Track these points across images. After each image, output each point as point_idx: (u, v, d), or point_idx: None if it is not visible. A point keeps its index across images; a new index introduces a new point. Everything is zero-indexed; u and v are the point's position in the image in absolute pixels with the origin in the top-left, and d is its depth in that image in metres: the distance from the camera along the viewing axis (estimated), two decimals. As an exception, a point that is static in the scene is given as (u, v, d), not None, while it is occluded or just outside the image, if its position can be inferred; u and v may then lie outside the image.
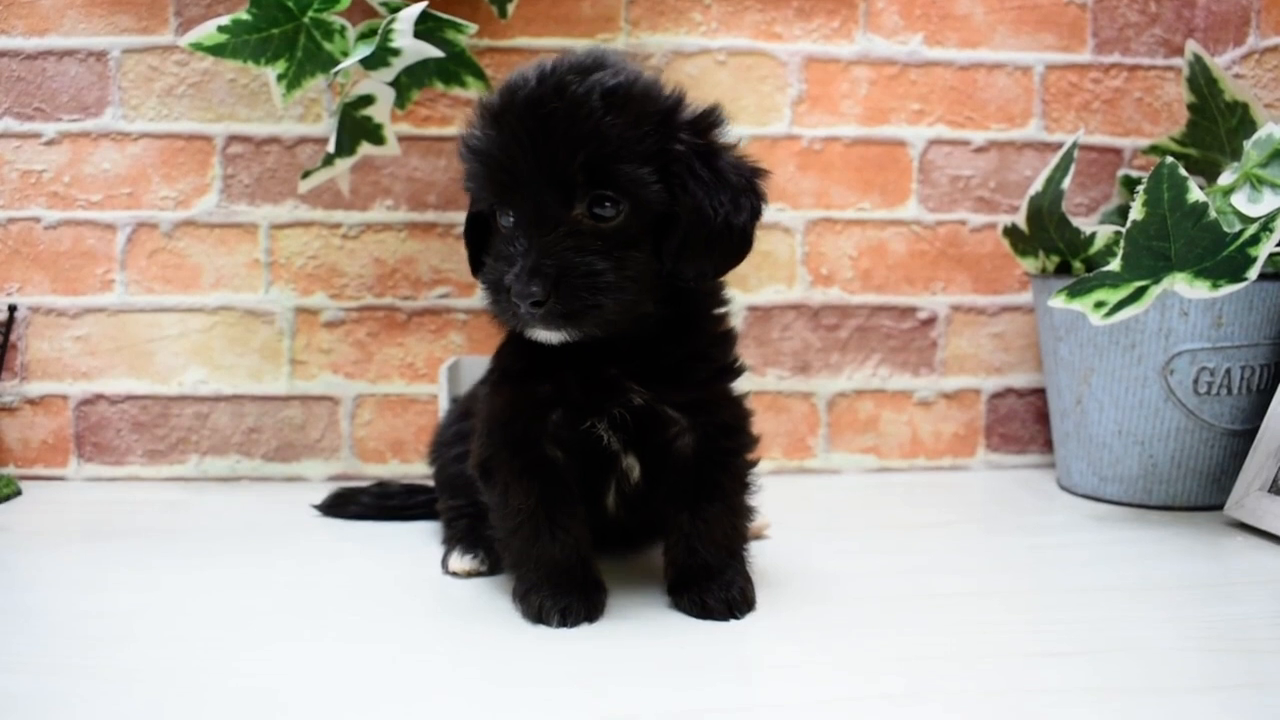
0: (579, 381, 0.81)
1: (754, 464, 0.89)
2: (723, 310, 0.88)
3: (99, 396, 1.34)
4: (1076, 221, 1.19)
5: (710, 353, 0.86)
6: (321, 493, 1.18)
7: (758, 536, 1.04)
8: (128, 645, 0.75)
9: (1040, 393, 1.43)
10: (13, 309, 1.31)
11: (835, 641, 0.77)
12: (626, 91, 0.76)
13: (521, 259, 0.75)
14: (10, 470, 1.33)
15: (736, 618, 0.81)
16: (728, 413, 0.86)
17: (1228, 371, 1.14)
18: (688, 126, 0.79)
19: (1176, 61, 1.41)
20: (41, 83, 1.31)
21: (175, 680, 0.68)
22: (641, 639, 0.77)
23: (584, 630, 0.78)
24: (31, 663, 0.72)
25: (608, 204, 0.76)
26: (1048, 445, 1.41)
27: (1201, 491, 1.18)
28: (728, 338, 0.88)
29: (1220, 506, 1.15)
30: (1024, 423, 1.44)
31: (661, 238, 0.78)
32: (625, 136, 0.75)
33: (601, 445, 0.83)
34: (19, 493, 1.25)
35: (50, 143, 1.32)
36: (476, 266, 0.87)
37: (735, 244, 0.80)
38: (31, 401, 1.33)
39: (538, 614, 0.80)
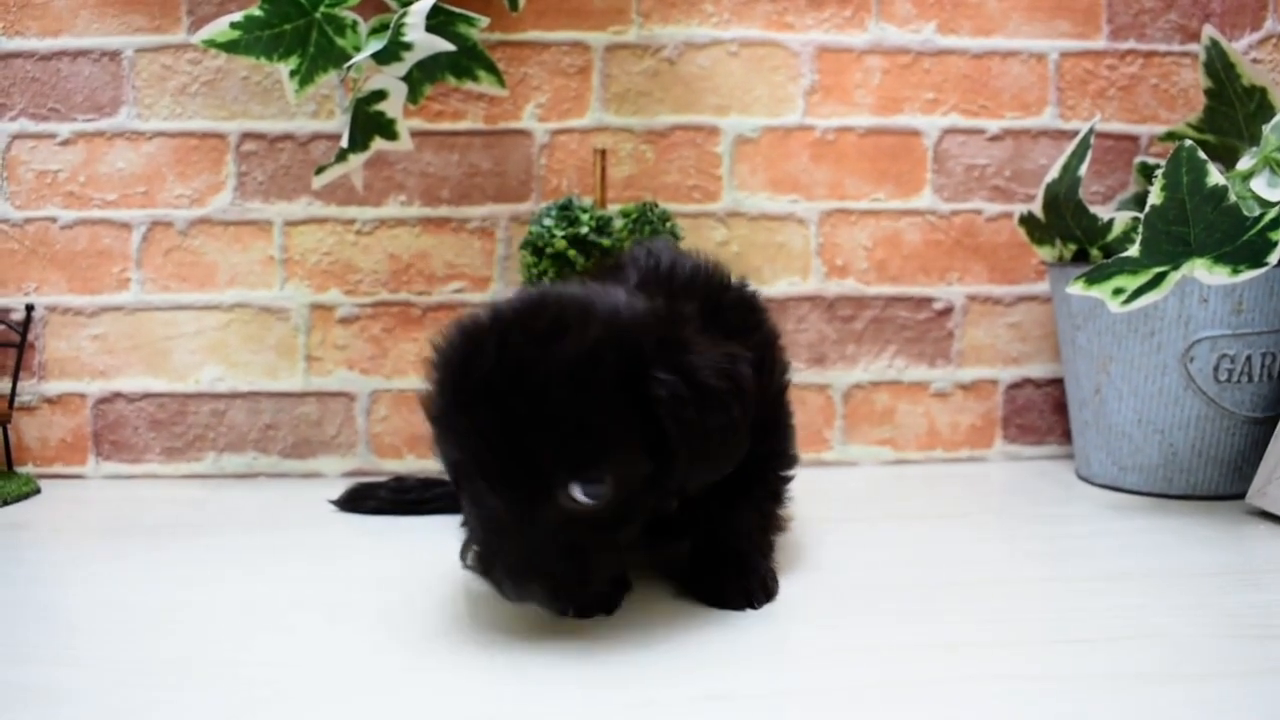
0: None
1: (789, 479, 0.89)
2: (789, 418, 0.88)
3: (116, 395, 1.34)
4: (1093, 209, 1.18)
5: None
6: (338, 489, 1.18)
7: (780, 530, 1.04)
8: (146, 638, 0.75)
9: (1058, 383, 1.42)
10: (30, 309, 1.32)
11: (855, 629, 0.76)
12: (595, 358, 0.67)
13: (506, 552, 0.69)
14: (29, 469, 1.34)
15: (754, 607, 0.80)
16: (773, 439, 0.86)
17: (1248, 358, 1.13)
18: (662, 362, 0.69)
19: (1193, 47, 1.40)
20: (56, 83, 1.32)
21: (192, 671, 0.68)
22: (660, 628, 0.76)
23: (601, 621, 0.78)
24: (50, 655, 0.72)
25: (592, 484, 0.68)
26: (1066, 436, 1.40)
27: (1222, 480, 1.17)
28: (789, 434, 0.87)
29: (1241, 495, 1.14)
30: (1042, 413, 1.43)
31: (656, 468, 0.71)
32: (600, 413, 0.67)
33: None
34: (38, 491, 1.26)
35: (65, 143, 1.32)
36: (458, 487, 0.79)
37: (735, 443, 0.74)
38: (49, 400, 1.34)
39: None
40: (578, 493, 0.68)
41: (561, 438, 0.67)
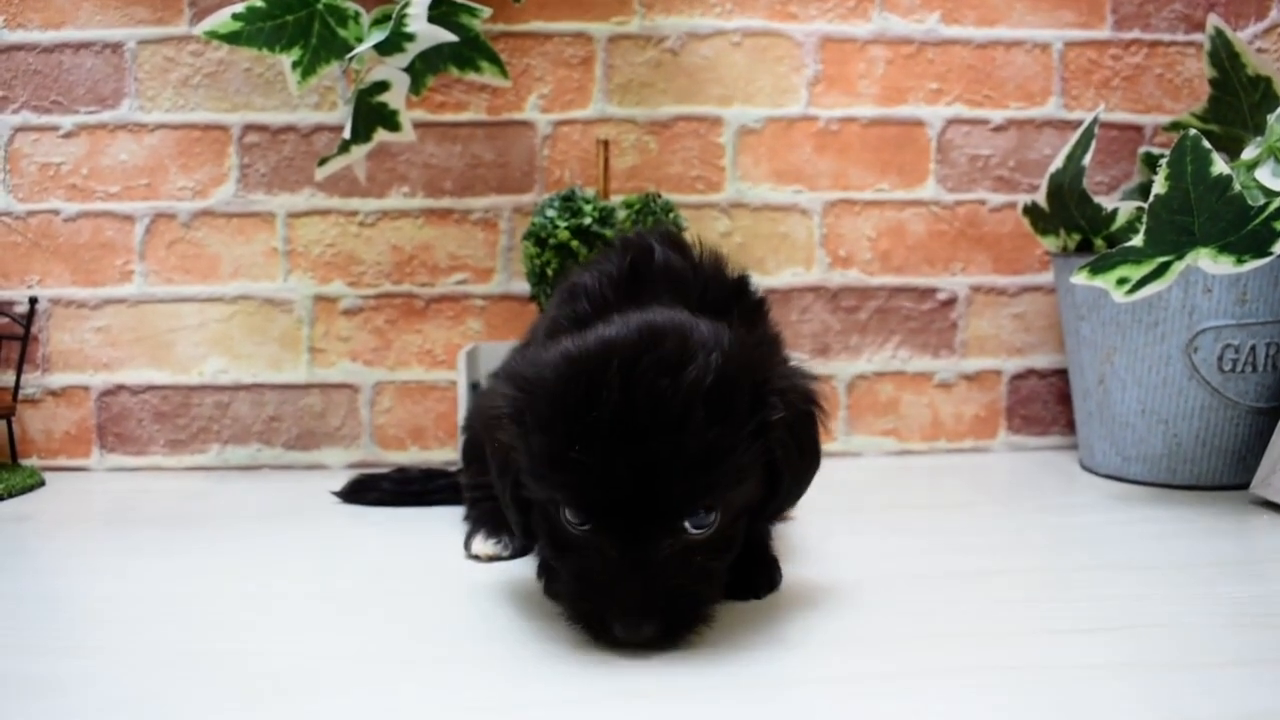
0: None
1: None
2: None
3: (120, 387, 1.34)
4: (1098, 199, 1.18)
5: None
6: (342, 480, 1.18)
7: (781, 519, 1.04)
8: (150, 628, 0.75)
9: (1062, 373, 1.42)
10: (34, 301, 1.32)
11: (858, 618, 0.76)
12: (728, 385, 0.66)
13: (620, 591, 0.66)
14: (34, 461, 1.34)
15: (758, 597, 0.80)
16: None
17: (1252, 348, 1.13)
18: (776, 387, 0.70)
19: (1197, 37, 1.39)
20: (58, 76, 1.32)
21: (197, 661, 0.69)
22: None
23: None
24: (54, 646, 0.72)
25: (704, 513, 0.67)
26: (1070, 427, 1.40)
27: (1226, 470, 1.17)
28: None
29: (1245, 485, 1.13)
30: (1046, 404, 1.43)
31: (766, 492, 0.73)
32: (736, 442, 0.66)
33: None
34: (42, 483, 1.26)
35: (68, 135, 1.32)
36: (528, 533, 0.76)
37: (818, 462, 0.77)
38: (54, 393, 1.34)
39: (555, 593, 0.79)
40: (689, 524, 0.67)
41: (700, 470, 0.65)
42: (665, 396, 0.64)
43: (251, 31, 1.10)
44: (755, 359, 0.71)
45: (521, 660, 0.69)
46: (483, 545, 0.92)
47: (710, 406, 0.65)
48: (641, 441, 0.64)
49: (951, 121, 1.39)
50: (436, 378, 1.36)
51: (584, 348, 0.68)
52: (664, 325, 0.69)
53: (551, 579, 0.77)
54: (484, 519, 0.95)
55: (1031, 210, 1.27)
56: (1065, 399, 1.41)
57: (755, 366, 0.70)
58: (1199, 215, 1.00)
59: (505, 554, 0.92)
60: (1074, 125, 1.38)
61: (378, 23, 1.12)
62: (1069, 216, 1.21)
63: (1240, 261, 0.98)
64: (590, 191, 1.18)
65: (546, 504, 0.70)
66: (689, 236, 0.89)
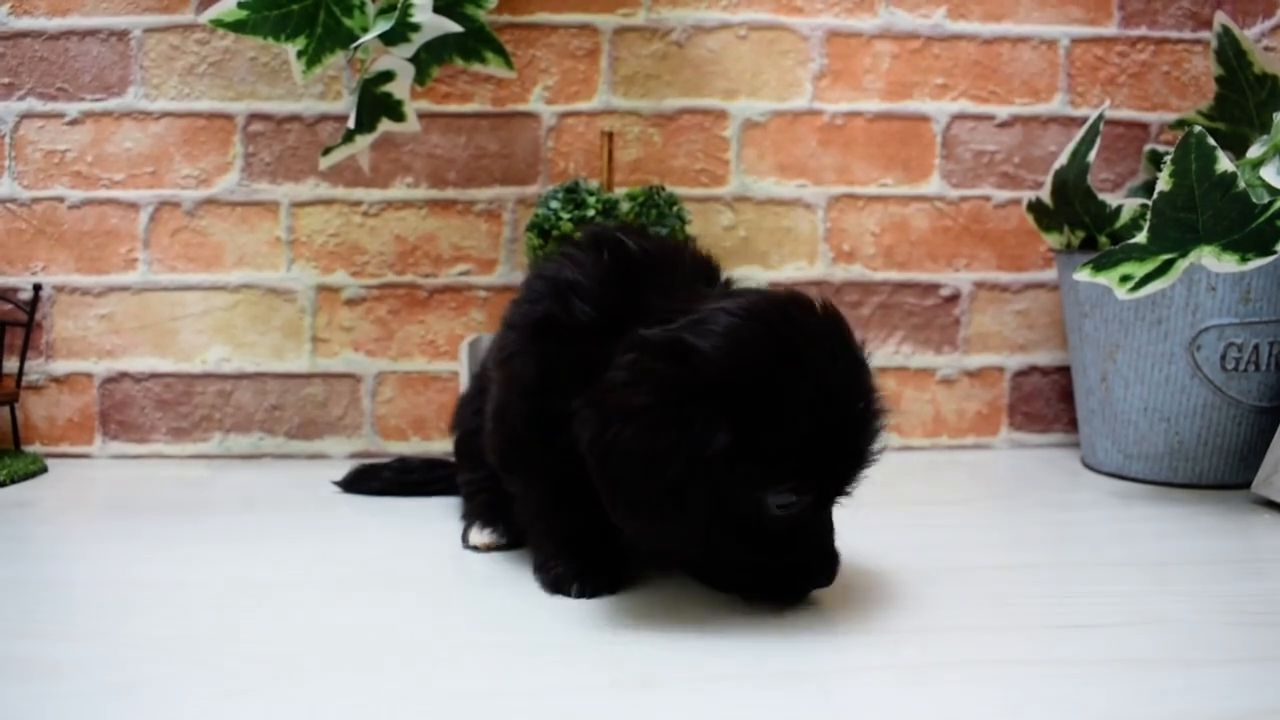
0: None
1: None
2: None
3: (123, 375, 1.35)
4: (1102, 197, 1.18)
5: None
6: (344, 470, 1.18)
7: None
8: (151, 614, 0.76)
9: (1065, 371, 1.41)
10: (38, 288, 1.32)
11: (856, 612, 0.76)
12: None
13: (828, 548, 0.73)
14: (36, 448, 1.34)
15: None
16: None
17: (1256, 347, 1.12)
18: None
19: (1204, 34, 1.39)
20: (64, 63, 1.32)
21: (198, 647, 0.69)
22: (661, 609, 0.77)
23: (604, 600, 0.78)
24: (54, 630, 0.72)
25: None
26: (1072, 424, 1.40)
27: (1228, 469, 1.17)
28: None
29: (1247, 485, 1.13)
30: (1048, 401, 1.43)
31: None
32: None
33: None
34: (45, 470, 1.26)
35: (73, 122, 1.33)
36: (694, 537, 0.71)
37: None
38: (57, 380, 1.35)
39: (554, 584, 0.79)
40: None
41: (880, 428, 0.71)
42: (866, 364, 0.70)
43: (257, 20, 1.10)
44: None
45: (520, 647, 0.69)
46: (480, 536, 0.93)
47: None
48: (871, 409, 0.69)
49: (957, 117, 1.39)
50: (439, 368, 1.36)
51: (791, 328, 0.68)
52: (801, 299, 0.71)
53: (712, 570, 0.76)
54: (479, 511, 0.95)
55: (1036, 207, 1.26)
56: (1068, 396, 1.41)
57: None
58: (1203, 213, 0.99)
59: (503, 542, 0.92)
60: (1080, 122, 1.38)
61: (383, 12, 1.12)
62: (1073, 213, 1.21)
63: (1244, 260, 0.98)
64: (594, 184, 1.18)
65: (738, 496, 0.68)
66: (691, 230, 0.88)
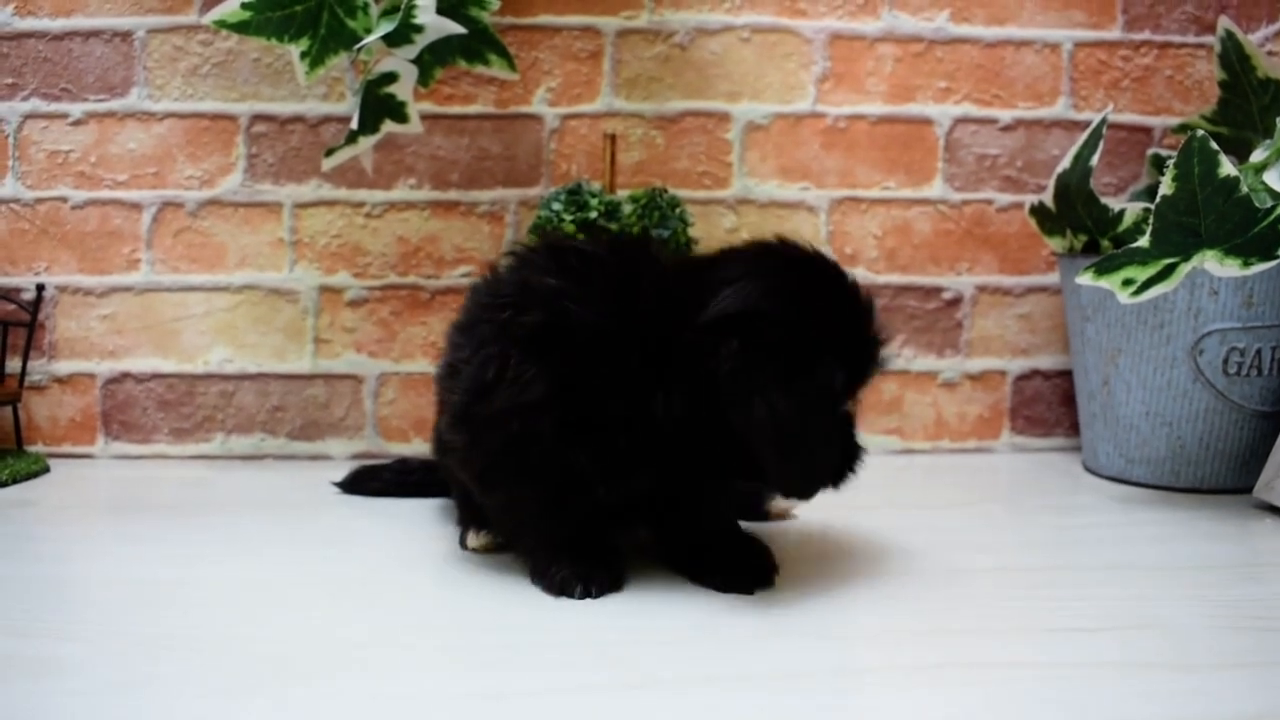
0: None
1: None
2: None
3: (125, 375, 1.35)
4: (1105, 200, 1.18)
5: None
6: (345, 471, 1.18)
7: (783, 517, 1.04)
8: (150, 614, 0.76)
9: (1067, 375, 1.41)
10: (40, 288, 1.32)
11: (857, 615, 0.76)
12: None
13: (846, 430, 0.86)
14: (39, 448, 1.34)
15: (750, 592, 0.80)
16: None
17: (1258, 352, 1.12)
18: None
19: (1208, 39, 1.39)
20: (68, 63, 1.32)
21: (198, 646, 0.69)
22: (662, 609, 0.77)
23: (606, 600, 0.78)
24: (56, 630, 0.72)
25: None
26: (1074, 429, 1.40)
27: (1230, 474, 1.17)
28: None
29: (1248, 489, 1.13)
30: (1050, 405, 1.43)
31: None
32: None
33: None
34: (47, 469, 1.26)
35: (77, 123, 1.33)
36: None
37: None
38: (59, 380, 1.35)
39: (560, 587, 0.79)
40: None
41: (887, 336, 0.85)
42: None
43: (260, 21, 1.10)
44: None
45: (519, 648, 0.69)
46: (477, 538, 0.93)
47: None
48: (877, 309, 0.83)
49: (960, 121, 1.39)
50: (441, 370, 1.36)
51: (803, 257, 0.81)
52: (785, 243, 0.83)
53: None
54: (475, 514, 0.94)
55: (1038, 210, 1.26)
56: (1069, 400, 1.41)
57: None
58: (1206, 217, 0.99)
59: (500, 541, 0.92)
60: (1083, 126, 1.38)
61: (386, 14, 1.12)
62: (1076, 217, 1.21)
63: (1247, 264, 0.98)
64: (596, 186, 1.18)
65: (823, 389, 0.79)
66: (694, 233, 0.91)
